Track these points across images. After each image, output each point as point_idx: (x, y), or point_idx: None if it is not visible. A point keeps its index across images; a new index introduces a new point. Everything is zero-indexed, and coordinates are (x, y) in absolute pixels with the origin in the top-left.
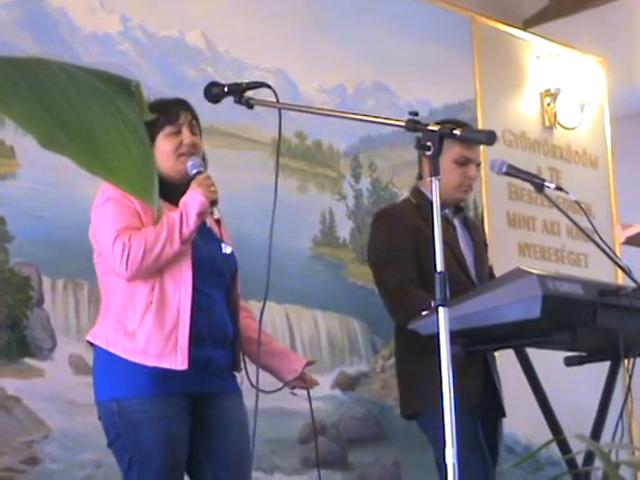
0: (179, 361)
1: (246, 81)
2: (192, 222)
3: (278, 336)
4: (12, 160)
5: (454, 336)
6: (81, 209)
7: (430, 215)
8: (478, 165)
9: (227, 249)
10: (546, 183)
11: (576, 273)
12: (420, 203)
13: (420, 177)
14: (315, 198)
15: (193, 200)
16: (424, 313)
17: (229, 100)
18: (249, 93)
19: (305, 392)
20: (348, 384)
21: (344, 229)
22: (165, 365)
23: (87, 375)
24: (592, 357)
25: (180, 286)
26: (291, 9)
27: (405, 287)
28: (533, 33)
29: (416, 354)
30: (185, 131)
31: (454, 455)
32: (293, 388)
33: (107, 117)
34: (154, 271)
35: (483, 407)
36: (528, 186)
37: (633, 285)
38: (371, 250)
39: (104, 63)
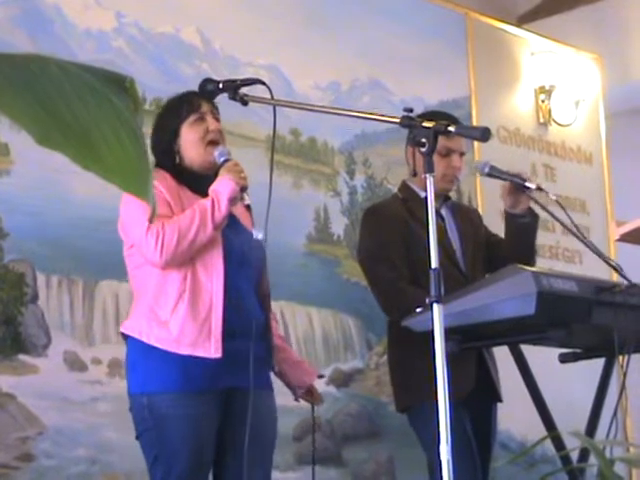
0: (213, 349)
1: (241, 78)
2: (224, 207)
3: None
4: (6, 157)
5: (448, 333)
6: (76, 206)
7: (417, 209)
8: (462, 154)
9: (258, 235)
10: (527, 184)
11: (571, 270)
12: (406, 197)
13: (414, 174)
14: (309, 195)
15: (223, 186)
16: (418, 310)
17: (224, 97)
18: (244, 90)
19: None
20: (342, 380)
21: (338, 226)
22: (199, 353)
23: (81, 372)
24: (587, 354)
25: (212, 275)
26: (286, 6)
27: (398, 285)
28: (527, 30)
29: (408, 349)
30: (209, 118)
31: (449, 452)
32: (297, 399)
33: (102, 114)
34: (187, 258)
35: (475, 395)
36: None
37: (627, 282)
38: (361, 248)
39: (99, 60)
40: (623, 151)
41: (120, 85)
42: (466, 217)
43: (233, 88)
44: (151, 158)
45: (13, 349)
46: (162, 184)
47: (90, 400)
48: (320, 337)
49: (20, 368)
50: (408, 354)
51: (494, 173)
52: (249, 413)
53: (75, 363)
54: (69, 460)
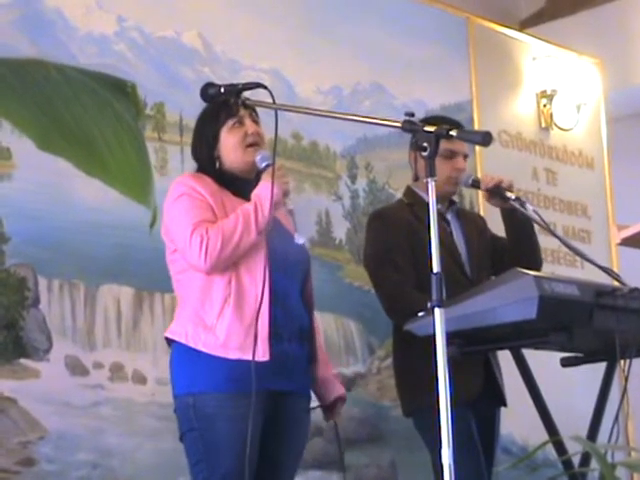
0: (261, 352)
1: (242, 82)
2: (267, 211)
3: None
4: (8, 161)
5: (450, 337)
6: (77, 210)
7: (423, 213)
8: (465, 157)
9: (300, 239)
10: (507, 194)
11: (572, 274)
12: (412, 202)
13: (416, 178)
14: (311, 199)
15: (266, 190)
16: (420, 314)
17: None
18: (245, 94)
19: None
20: (344, 385)
21: (340, 230)
22: (248, 357)
23: (83, 376)
24: (588, 358)
25: (256, 278)
26: (287, 10)
27: (403, 289)
28: (529, 34)
29: (413, 353)
30: (248, 122)
31: (450, 456)
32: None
33: (103, 119)
34: (231, 263)
35: (481, 398)
36: (524, 187)
37: (629, 286)
38: (367, 252)
39: (100, 64)
40: (624, 155)
41: (122, 90)
42: (471, 222)
43: (235, 92)
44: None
45: (14, 353)
46: (205, 189)
47: (91, 405)
48: (322, 341)
49: (21, 372)
50: (413, 358)
51: (476, 184)
52: (285, 417)
53: (77, 367)
54: (70, 465)
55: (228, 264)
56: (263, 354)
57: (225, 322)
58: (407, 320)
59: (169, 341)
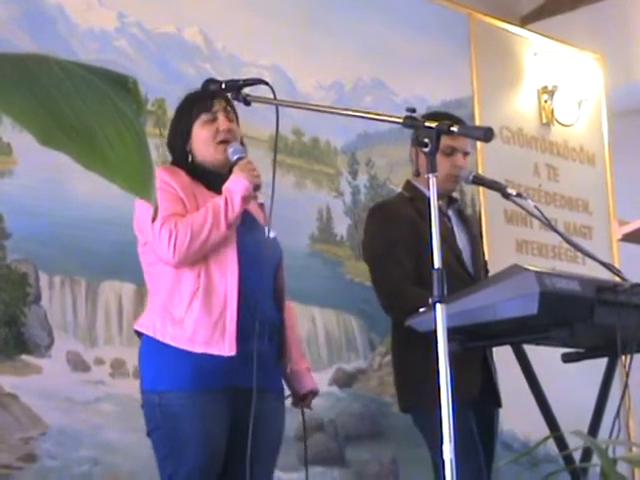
0: (227, 348)
1: (243, 78)
2: (237, 206)
3: None
4: (9, 157)
5: (451, 333)
6: (78, 206)
7: (424, 207)
8: (466, 154)
9: (272, 233)
10: (508, 190)
11: (573, 270)
12: (413, 196)
13: (418, 174)
14: (312, 195)
15: (237, 184)
16: (421, 310)
17: None
18: (246, 90)
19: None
20: (345, 381)
21: (341, 226)
22: (214, 352)
23: (84, 372)
24: (589, 354)
25: (226, 273)
26: (288, 6)
27: (401, 284)
28: (530, 30)
29: (412, 350)
30: (221, 117)
31: (451, 451)
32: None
33: (104, 114)
34: (200, 257)
35: (480, 398)
36: (525, 183)
37: (630, 282)
38: (366, 245)
39: (101, 59)
40: (626, 151)
41: (123, 85)
42: (471, 224)
43: (236, 88)
44: (168, 156)
45: (16, 349)
46: (177, 182)
47: (93, 400)
48: (323, 337)
49: (23, 368)
50: (412, 354)
51: (477, 181)
52: (251, 414)
53: (78, 363)
54: (72, 460)
55: (197, 258)
56: (230, 349)
57: (193, 316)
58: (403, 316)
59: (139, 334)
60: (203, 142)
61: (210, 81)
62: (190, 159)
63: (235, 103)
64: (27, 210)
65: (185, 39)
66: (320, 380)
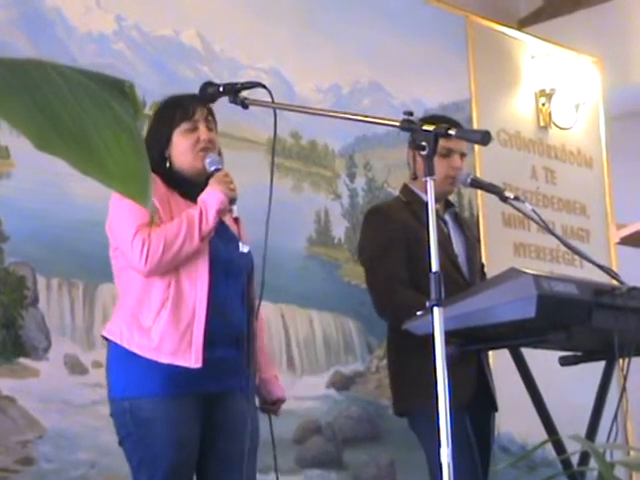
0: (193, 359)
1: (241, 81)
2: (211, 219)
3: (273, 336)
4: (7, 160)
5: (449, 336)
6: (76, 209)
7: (421, 212)
8: (463, 155)
9: (244, 248)
10: (505, 193)
11: (571, 273)
12: (410, 200)
13: (415, 177)
14: (310, 198)
15: (212, 197)
16: (419, 313)
17: (224, 100)
18: (244, 93)
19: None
20: (343, 384)
21: (339, 229)
22: (179, 363)
23: (82, 375)
24: (587, 357)
25: (196, 284)
26: (286, 9)
27: (392, 286)
28: (528, 33)
29: (408, 353)
30: (201, 127)
31: (448, 454)
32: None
33: (101, 118)
34: (172, 267)
35: (475, 402)
36: (523, 186)
37: (628, 285)
38: (362, 247)
39: (99, 63)
40: (623, 154)
41: (120, 90)
42: (467, 228)
43: (234, 91)
44: None
45: (13, 352)
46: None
47: (90, 403)
48: (321, 340)
49: (20, 371)
50: (408, 358)
51: (475, 184)
52: (225, 416)
53: (75, 366)
54: (69, 463)
55: (169, 269)
56: (196, 361)
57: (160, 325)
58: (395, 318)
59: (106, 340)
60: (183, 150)
61: (208, 84)
62: (168, 165)
63: (233, 106)
64: (25, 213)
65: (183, 42)
66: (318, 383)
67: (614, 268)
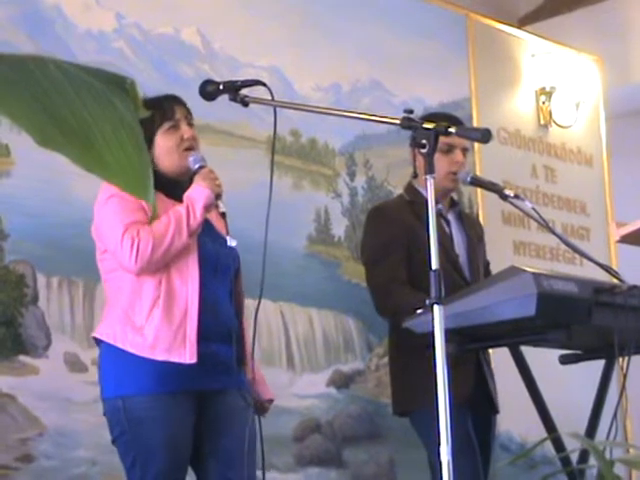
0: (188, 355)
1: (241, 79)
2: (199, 214)
3: (273, 334)
4: (7, 158)
5: (449, 334)
6: (76, 207)
7: (423, 211)
8: (465, 150)
9: (232, 242)
10: (505, 192)
11: (571, 271)
12: (413, 200)
13: (415, 175)
14: (310, 196)
15: (199, 193)
16: (419, 311)
17: (224, 98)
18: (244, 91)
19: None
20: (343, 382)
21: (339, 227)
22: (174, 359)
23: (82, 373)
24: (587, 355)
25: (187, 280)
26: (287, 7)
27: (391, 285)
28: (528, 31)
29: (409, 352)
30: (183, 125)
31: (449, 452)
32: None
33: (102, 115)
34: (162, 265)
35: (476, 403)
36: (523, 184)
37: (628, 283)
38: (364, 247)
39: (99, 61)
40: (623, 153)
41: (121, 86)
42: (472, 227)
43: (234, 89)
44: None
45: (13, 350)
46: None
47: (90, 401)
48: (320, 338)
49: (20, 369)
50: (409, 357)
51: (475, 182)
52: (219, 413)
53: (75, 364)
54: (69, 461)
55: (159, 266)
56: (190, 357)
57: (154, 323)
58: (393, 316)
59: (97, 341)
60: (167, 150)
61: (208, 82)
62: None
63: (233, 104)
64: (25, 211)
65: (183, 40)
66: (317, 381)
67: (614, 266)
